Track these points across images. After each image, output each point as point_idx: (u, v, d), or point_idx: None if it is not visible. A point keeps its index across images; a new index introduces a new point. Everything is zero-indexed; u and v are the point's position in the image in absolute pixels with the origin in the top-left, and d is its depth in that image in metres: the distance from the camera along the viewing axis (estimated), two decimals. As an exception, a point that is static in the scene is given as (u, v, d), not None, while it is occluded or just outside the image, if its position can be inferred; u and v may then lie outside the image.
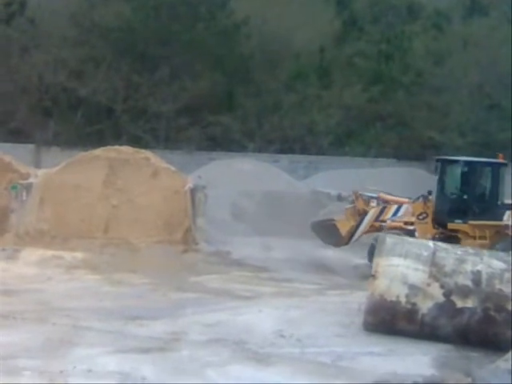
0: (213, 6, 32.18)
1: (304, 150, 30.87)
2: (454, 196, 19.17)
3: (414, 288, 11.68)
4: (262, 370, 9.94)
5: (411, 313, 11.66)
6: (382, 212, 18.84)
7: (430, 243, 12.76)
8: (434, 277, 11.73)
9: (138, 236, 18.63)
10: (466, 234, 18.71)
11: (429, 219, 18.76)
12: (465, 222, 18.79)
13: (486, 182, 19.61)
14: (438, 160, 19.85)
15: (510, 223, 18.80)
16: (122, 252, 18.04)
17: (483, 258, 12.08)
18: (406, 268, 11.80)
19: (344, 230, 18.79)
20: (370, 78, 32.57)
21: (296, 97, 31.42)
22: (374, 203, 19.13)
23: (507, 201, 19.24)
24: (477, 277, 11.70)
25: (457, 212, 18.92)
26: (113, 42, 30.19)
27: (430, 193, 19.25)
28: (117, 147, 20.14)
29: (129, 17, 30.46)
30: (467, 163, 19.23)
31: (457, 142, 30.52)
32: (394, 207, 18.98)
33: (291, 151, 30.66)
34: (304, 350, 10.90)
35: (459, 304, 11.58)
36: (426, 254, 12.00)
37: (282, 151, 30.44)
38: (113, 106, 29.92)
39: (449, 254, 12.10)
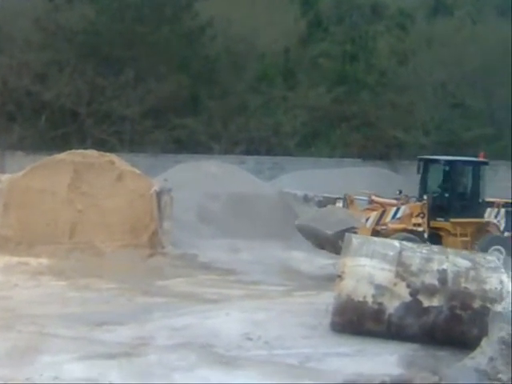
0: (178, 7, 32.01)
1: (270, 151, 30.82)
2: (436, 194, 19.31)
3: (380, 288, 11.74)
4: (230, 373, 9.94)
5: (378, 313, 11.72)
6: (382, 215, 18.51)
7: (396, 243, 12.82)
8: (400, 276, 11.81)
9: (103, 240, 18.52)
10: (447, 231, 18.90)
11: (425, 219, 18.73)
12: (446, 220, 18.95)
13: (468, 181, 19.80)
14: (420, 159, 19.97)
15: (490, 220, 19.14)
16: (88, 257, 17.93)
17: (449, 256, 12.18)
18: (372, 268, 11.86)
19: None
20: (335, 79, 32.62)
21: (261, 98, 31.36)
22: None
23: (488, 199, 19.48)
24: (443, 276, 11.79)
25: (439, 210, 19.02)
26: (77, 45, 29.93)
27: (400, 192, 19.36)
28: (82, 151, 20.02)
29: (93, 19, 30.20)
30: (449, 162, 19.46)
31: (421, 141, 30.72)
32: (393, 210, 18.63)
33: (257, 153, 30.59)
34: (271, 352, 10.92)
35: (426, 303, 11.66)
36: (392, 253, 12.06)
37: (247, 153, 30.35)
38: (77, 109, 29.64)
39: (415, 253, 12.18)
